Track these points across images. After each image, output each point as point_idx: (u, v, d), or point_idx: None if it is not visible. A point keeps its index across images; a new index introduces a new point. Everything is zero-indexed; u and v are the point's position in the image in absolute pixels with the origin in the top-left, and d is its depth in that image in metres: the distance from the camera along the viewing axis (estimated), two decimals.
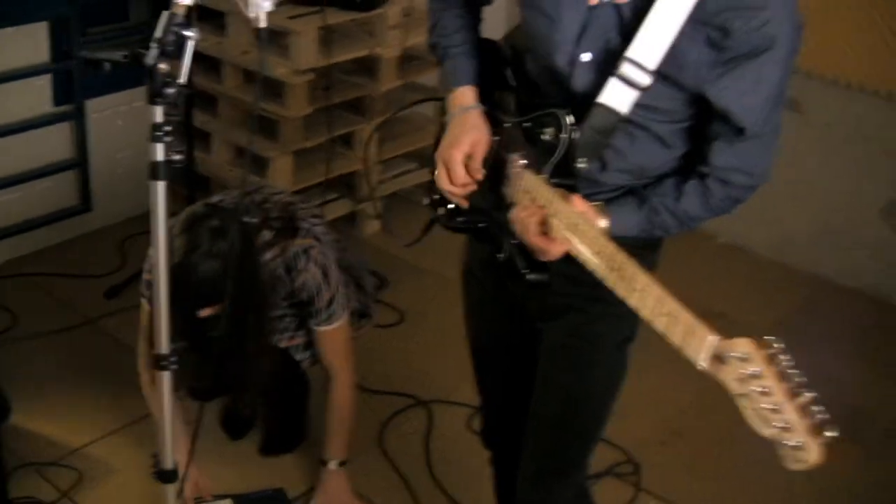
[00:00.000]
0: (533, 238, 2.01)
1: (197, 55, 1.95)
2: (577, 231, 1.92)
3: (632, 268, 1.79)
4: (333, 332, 3.15)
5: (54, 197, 4.54)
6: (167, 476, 2.25)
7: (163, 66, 1.88)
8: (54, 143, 4.47)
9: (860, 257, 4.74)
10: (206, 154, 4.61)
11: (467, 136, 2.18)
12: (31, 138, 4.34)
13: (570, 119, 2.02)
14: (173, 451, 2.75)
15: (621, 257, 1.82)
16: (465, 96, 2.25)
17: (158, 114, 1.92)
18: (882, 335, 4.51)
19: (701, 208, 2.09)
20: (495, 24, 2.50)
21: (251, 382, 3.25)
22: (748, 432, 3.74)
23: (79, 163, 4.54)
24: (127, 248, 4.53)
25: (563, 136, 2.03)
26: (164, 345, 2.12)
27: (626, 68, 1.93)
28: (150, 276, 2.94)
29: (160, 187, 1.98)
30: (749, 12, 1.84)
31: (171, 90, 1.91)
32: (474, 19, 2.36)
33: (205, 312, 2.85)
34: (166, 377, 2.15)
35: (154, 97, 1.91)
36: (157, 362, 2.13)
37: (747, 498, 3.53)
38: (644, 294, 1.78)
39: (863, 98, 4.50)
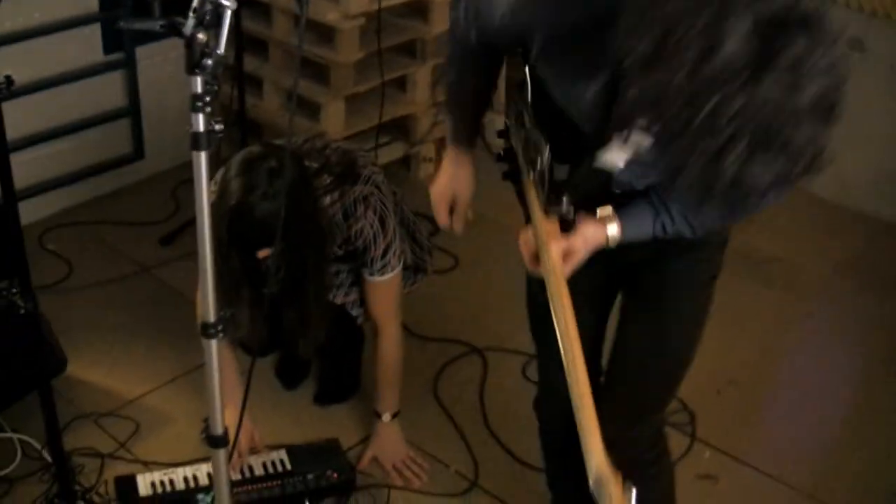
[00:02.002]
0: (529, 265, 2.16)
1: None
2: (550, 281, 2.05)
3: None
4: (385, 285, 3.14)
5: (107, 145, 4.54)
6: (217, 441, 2.25)
7: (200, 37, 1.85)
8: (105, 91, 4.46)
9: None
10: (257, 100, 4.58)
11: (450, 188, 2.61)
12: (83, 88, 4.34)
13: (546, 156, 2.08)
14: (227, 401, 2.78)
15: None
16: (459, 156, 2.59)
17: (198, 84, 1.89)
18: None
19: (721, 218, 2.07)
20: None
21: (310, 333, 3.25)
22: (804, 385, 3.74)
23: (130, 111, 4.54)
24: (180, 195, 4.55)
25: (544, 170, 2.10)
26: (211, 313, 2.11)
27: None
28: None
29: (202, 157, 1.95)
30: None
31: (209, 61, 1.88)
32: (489, 84, 2.47)
33: (263, 253, 2.83)
34: (213, 345, 2.14)
35: (193, 68, 1.88)
36: (204, 331, 2.11)
37: (800, 451, 3.50)
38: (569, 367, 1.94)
39: None
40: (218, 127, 1.95)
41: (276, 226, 2.58)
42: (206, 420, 2.27)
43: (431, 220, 4.40)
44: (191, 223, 4.29)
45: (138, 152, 4.63)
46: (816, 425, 3.61)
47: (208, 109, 1.92)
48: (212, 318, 2.12)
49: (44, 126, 4.28)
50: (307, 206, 2.86)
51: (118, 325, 3.85)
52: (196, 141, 1.94)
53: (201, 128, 1.93)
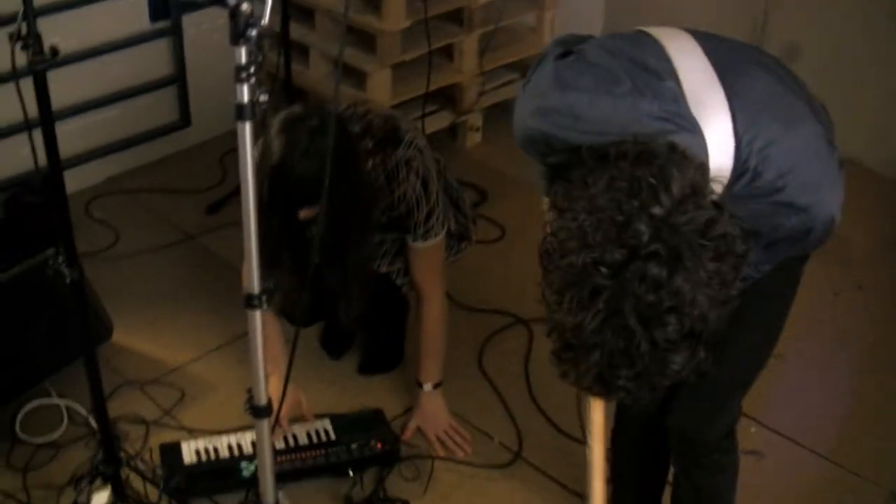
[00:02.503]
0: None
1: None
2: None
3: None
4: (428, 251, 3.12)
5: (153, 113, 4.55)
6: (260, 412, 2.25)
7: (245, 7, 1.83)
8: (152, 59, 4.47)
9: None
10: (303, 67, 4.57)
11: None
12: (129, 56, 4.34)
13: None
14: (272, 370, 2.78)
15: None
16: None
17: (242, 55, 1.88)
18: None
19: None
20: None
21: (353, 302, 3.25)
22: (852, 361, 3.69)
23: (177, 78, 4.54)
24: (227, 163, 4.55)
25: None
26: (255, 284, 2.10)
27: None
28: None
29: (247, 128, 1.95)
30: None
31: (253, 31, 1.86)
32: None
33: (304, 213, 2.82)
34: (256, 316, 2.13)
35: (237, 38, 1.87)
36: (248, 302, 2.11)
37: (847, 428, 3.46)
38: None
39: None
40: (263, 97, 1.94)
41: (317, 185, 2.58)
42: (249, 390, 2.26)
43: (476, 188, 4.43)
44: (237, 191, 4.28)
45: (185, 120, 4.64)
46: (864, 402, 3.57)
47: (252, 80, 1.91)
48: (255, 289, 2.12)
49: (90, 95, 4.29)
50: (349, 168, 2.84)
51: (164, 293, 3.87)
52: (240, 111, 1.93)
53: (245, 98, 1.92)
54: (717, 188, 1.80)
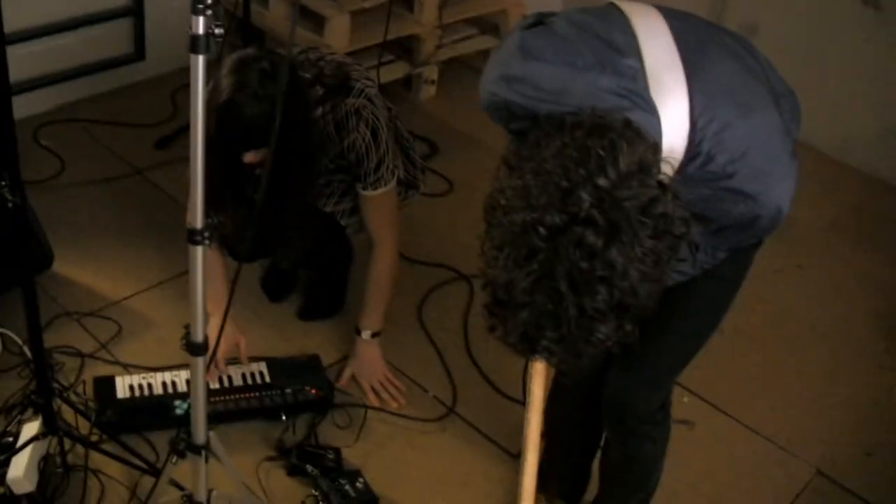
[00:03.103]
0: None
1: None
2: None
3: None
4: (380, 198, 3.11)
5: (108, 44, 4.49)
6: (196, 349, 2.24)
7: None
8: None
9: None
10: (262, 8, 4.53)
11: None
12: None
13: None
14: (213, 308, 2.77)
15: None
16: None
17: None
18: None
19: None
20: None
21: (293, 242, 3.24)
22: (788, 338, 3.73)
23: (134, 10, 4.48)
24: (179, 99, 4.51)
25: None
26: (198, 219, 2.09)
27: None
28: None
29: (200, 61, 1.92)
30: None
31: None
32: None
33: (249, 157, 2.80)
34: (198, 252, 2.12)
35: None
36: (191, 237, 2.09)
37: (778, 403, 3.52)
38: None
39: None
40: (218, 31, 1.91)
41: (263, 129, 2.57)
42: (186, 326, 2.25)
43: (427, 141, 4.42)
44: (187, 128, 4.25)
45: (139, 53, 4.58)
46: (797, 378, 3.62)
47: (209, 12, 1.89)
48: (199, 223, 2.10)
49: (44, 20, 4.21)
50: (298, 114, 2.82)
51: (108, 226, 3.83)
52: (195, 44, 1.90)
53: (201, 30, 1.89)
54: (668, 168, 1.80)
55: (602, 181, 1.66)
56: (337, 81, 2.98)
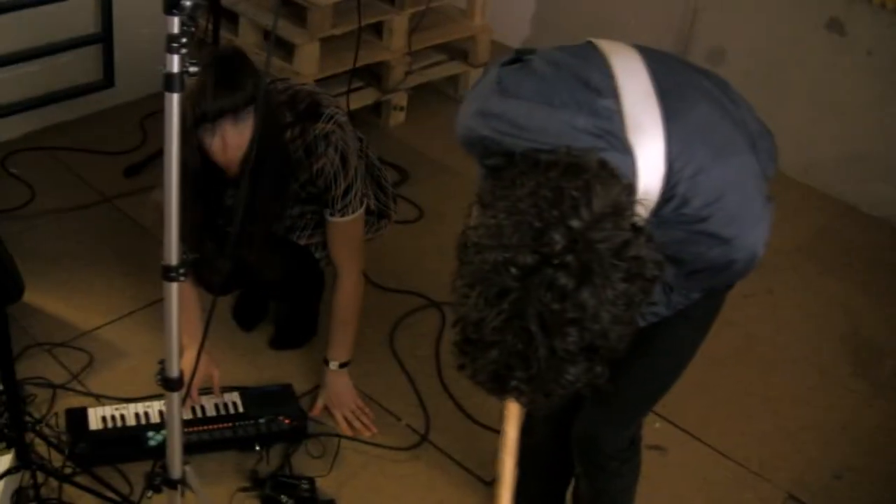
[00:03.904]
0: None
1: None
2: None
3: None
4: (346, 226, 3.11)
5: (77, 71, 4.48)
6: (172, 384, 2.24)
7: None
8: (79, 16, 4.39)
9: (888, 188, 4.67)
10: (232, 35, 4.54)
11: None
12: (56, 10, 4.23)
13: None
14: (187, 340, 2.77)
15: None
16: None
17: (175, 25, 1.86)
18: None
19: None
20: None
21: (267, 273, 3.25)
22: (758, 362, 3.75)
23: (103, 37, 4.46)
24: (148, 126, 4.50)
25: None
26: (172, 256, 2.09)
27: None
28: None
29: (174, 100, 1.93)
30: None
31: (187, 2, 1.84)
32: None
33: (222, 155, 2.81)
34: (173, 289, 2.12)
35: (170, 8, 1.85)
36: (166, 273, 2.09)
37: (749, 428, 3.54)
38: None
39: None
40: (193, 69, 1.92)
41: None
42: (162, 362, 2.25)
43: (397, 168, 4.43)
44: (157, 156, 4.26)
45: (108, 80, 4.57)
46: (768, 403, 3.64)
47: (184, 51, 1.90)
48: (174, 260, 2.10)
49: (12, 48, 4.21)
50: (271, 138, 2.85)
51: (78, 255, 3.82)
52: (169, 82, 1.91)
53: (175, 69, 1.90)
54: (643, 211, 1.81)
55: (575, 223, 1.66)
56: (307, 107, 3.00)
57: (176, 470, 2.37)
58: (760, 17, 4.73)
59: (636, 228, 1.72)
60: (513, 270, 1.66)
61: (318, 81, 4.37)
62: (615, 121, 1.92)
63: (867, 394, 3.75)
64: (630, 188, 1.80)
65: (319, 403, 3.31)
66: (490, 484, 3.16)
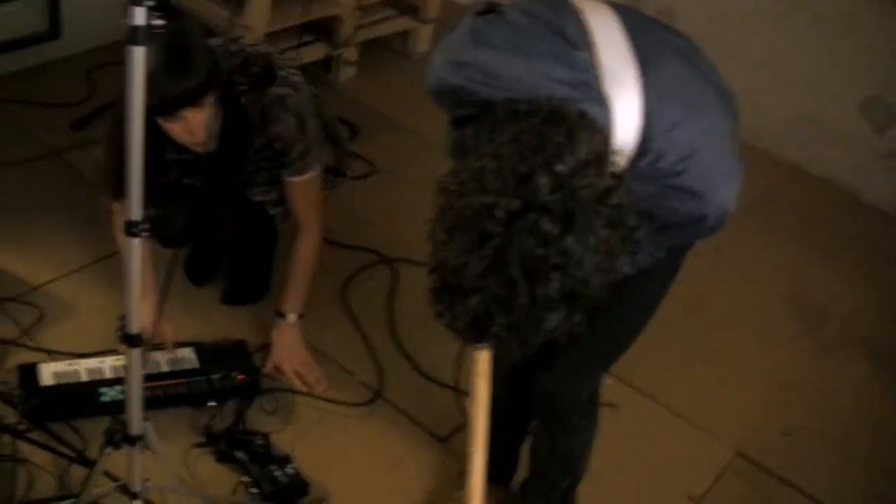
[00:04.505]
0: None
1: None
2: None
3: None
4: (304, 184, 3.11)
5: (22, 21, 4.38)
6: (133, 340, 2.22)
7: None
8: None
9: (834, 149, 4.74)
10: None
11: None
12: None
13: None
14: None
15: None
16: None
17: None
18: (847, 231, 4.55)
19: None
20: None
21: (222, 230, 3.23)
22: (703, 321, 3.78)
23: None
24: (96, 78, 4.42)
25: None
26: (135, 211, 2.07)
27: None
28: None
29: (139, 53, 1.90)
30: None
31: None
32: None
33: (174, 127, 2.79)
34: (136, 244, 2.10)
35: None
36: (128, 229, 2.07)
37: (698, 386, 3.60)
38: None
39: None
40: (158, 22, 1.89)
41: (186, 95, 2.64)
42: (121, 318, 2.23)
43: (348, 123, 4.41)
44: (104, 108, 4.20)
45: (54, 31, 4.48)
46: (716, 361, 3.69)
47: (149, 3, 1.87)
48: (136, 215, 2.08)
49: None
50: (229, 108, 2.83)
51: (25, 209, 3.76)
52: (134, 35, 1.88)
53: (141, 21, 1.87)
54: (621, 161, 1.82)
55: (560, 168, 1.66)
56: (260, 70, 2.97)
57: (136, 426, 2.36)
58: None
59: (617, 177, 1.73)
60: (497, 214, 1.66)
61: (267, 35, 4.32)
62: (591, 73, 1.93)
63: (812, 353, 3.82)
64: (607, 139, 1.81)
65: (271, 362, 3.30)
66: (444, 440, 3.19)
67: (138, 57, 1.91)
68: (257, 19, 4.32)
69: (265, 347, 3.35)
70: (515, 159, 1.68)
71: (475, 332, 1.76)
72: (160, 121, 2.76)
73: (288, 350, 3.30)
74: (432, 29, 5.10)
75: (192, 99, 2.69)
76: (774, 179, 4.73)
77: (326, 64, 4.81)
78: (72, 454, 2.86)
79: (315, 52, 4.67)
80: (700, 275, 4.00)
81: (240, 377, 3.18)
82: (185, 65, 2.67)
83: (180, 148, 2.92)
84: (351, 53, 4.81)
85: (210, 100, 2.75)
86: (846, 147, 4.69)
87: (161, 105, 2.67)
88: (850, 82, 4.60)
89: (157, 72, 2.57)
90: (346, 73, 4.84)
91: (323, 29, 4.71)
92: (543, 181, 1.66)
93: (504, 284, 1.68)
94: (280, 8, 4.42)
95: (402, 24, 5.04)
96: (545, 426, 2.73)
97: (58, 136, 4.14)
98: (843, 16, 4.49)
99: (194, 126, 2.79)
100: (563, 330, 1.76)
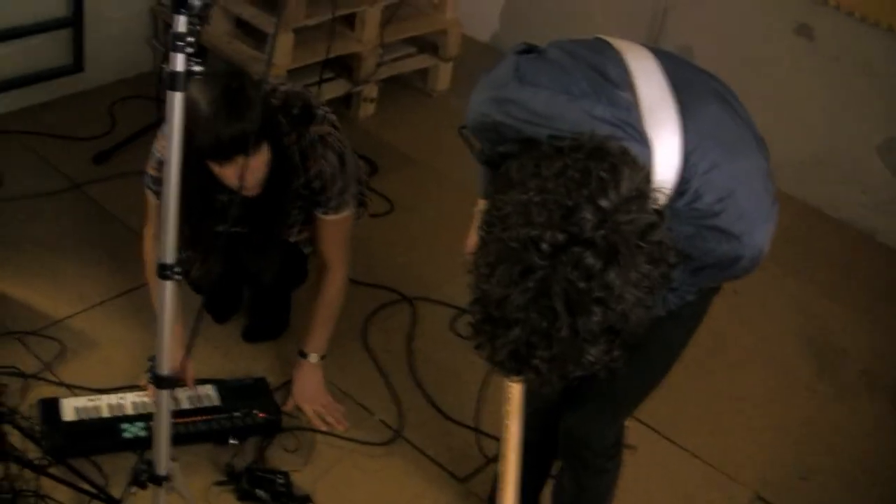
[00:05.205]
0: None
1: None
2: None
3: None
4: (338, 222, 3.10)
5: (46, 55, 4.42)
6: (163, 382, 2.23)
7: None
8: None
9: (851, 191, 4.74)
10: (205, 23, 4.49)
11: None
12: None
13: None
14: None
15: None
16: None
17: (181, 24, 1.86)
18: (865, 272, 4.54)
19: None
20: None
21: (264, 276, 3.24)
22: (725, 362, 3.77)
23: (73, 21, 4.41)
24: (117, 111, 4.45)
25: None
26: (168, 254, 2.08)
27: None
28: (158, 173, 2.88)
29: (178, 98, 1.92)
30: None
31: (197, 1, 1.84)
32: None
33: (223, 171, 2.77)
34: (169, 287, 2.11)
35: (178, 6, 1.84)
36: (161, 271, 2.08)
37: (716, 427, 3.59)
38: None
39: (876, 33, 4.42)
40: (197, 68, 1.91)
41: (240, 139, 2.59)
42: (151, 359, 2.24)
43: (367, 160, 4.42)
44: (127, 142, 4.23)
45: (77, 64, 4.51)
46: (734, 402, 3.68)
47: (189, 50, 1.89)
48: (169, 258, 2.09)
49: None
50: (276, 150, 2.84)
51: (46, 242, 3.78)
52: (174, 81, 1.90)
53: (180, 67, 1.89)
54: (661, 199, 1.84)
55: (604, 203, 1.68)
56: (300, 110, 2.98)
57: (162, 466, 2.37)
58: (731, 17, 4.78)
59: (659, 214, 1.74)
60: (542, 248, 1.67)
61: (290, 72, 4.35)
62: (633, 112, 1.95)
63: (830, 395, 3.81)
64: (649, 176, 1.82)
65: (291, 401, 3.30)
66: (464, 480, 3.19)
67: (177, 102, 1.93)
68: (280, 55, 4.35)
69: (286, 385, 3.36)
70: (561, 193, 1.69)
71: (515, 364, 1.77)
72: (213, 166, 2.75)
73: (309, 390, 3.30)
74: (452, 67, 5.12)
75: (249, 143, 2.64)
76: (792, 219, 4.73)
77: (346, 100, 4.83)
78: (93, 490, 2.86)
79: (336, 89, 4.70)
80: (718, 315, 3.99)
81: (261, 415, 3.18)
82: (241, 109, 2.64)
83: (228, 191, 2.92)
84: (371, 90, 4.83)
85: (265, 144, 2.76)
86: (863, 189, 4.69)
87: (216, 148, 2.67)
88: (867, 124, 4.61)
89: (215, 115, 2.61)
90: (366, 110, 4.86)
91: (344, 66, 4.74)
92: (588, 215, 1.67)
93: (546, 317, 1.69)
94: (302, 44, 4.45)
95: (423, 61, 5.06)
96: (570, 468, 2.73)
97: (80, 169, 4.16)
98: (860, 58, 4.50)
99: (251, 170, 2.77)
100: (603, 364, 1.76)
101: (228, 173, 2.76)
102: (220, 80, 2.67)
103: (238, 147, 2.64)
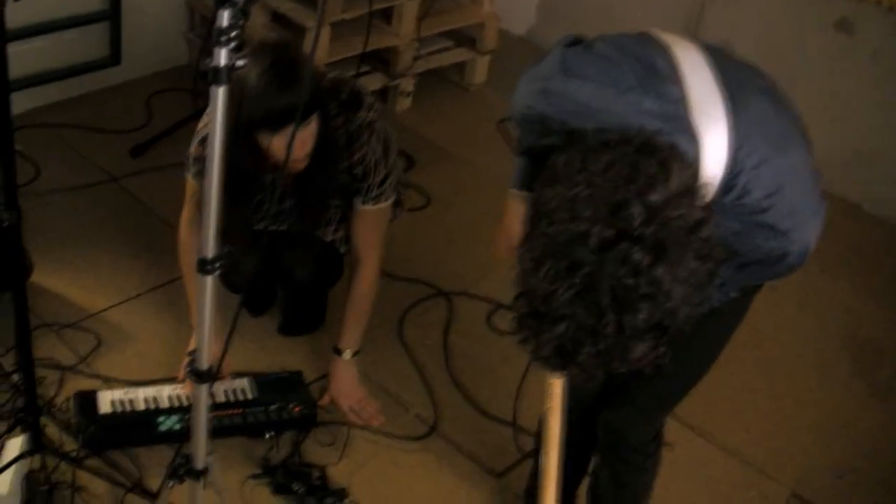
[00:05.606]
0: None
1: None
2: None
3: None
4: (377, 213, 3.10)
5: (83, 48, 4.44)
6: (202, 376, 2.22)
7: None
8: None
9: (891, 188, 4.69)
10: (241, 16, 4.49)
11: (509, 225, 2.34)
12: None
13: None
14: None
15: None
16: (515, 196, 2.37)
17: (225, 18, 1.84)
18: None
19: None
20: None
21: (299, 273, 3.24)
22: (762, 360, 3.75)
23: (110, 14, 4.42)
24: (153, 104, 4.47)
25: None
26: (210, 248, 2.07)
27: None
28: (200, 151, 2.88)
29: (220, 93, 1.91)
30: None
31: None
32: None
33: (273, 142, 2.73)
34: (209, 281, 2.10)
35: (222, 1, 1.83)
36: (202, 266, 2.08)
37: (754, 425, 3.57)
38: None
39: None
40: (240, 63, 1.90)
41: (288, 110, 2.59)
42: (191, 353, 2.24)
43: (404, 154, 4.42)
44: (163, 135, 4.24)
45: (115, 57, 4.53)
46: (771, 401, 3.66)
47: (233, 44, 1.87)
48: (210, 253, 2.08)
49: (19, 23, 4.13)
50: (322, 125, 2.83)
51: (84, 235, 3.79)
52: (216, 75, 1.89)
53: (223, 62, 1.88)
54: (708, 195, 1.82)
55: (653, 198, 1.66)
56: (349, 95, 2.97)
57: (200, 461, 2.36)
58: (769, 12, 4.74)
59: (707, 210, 1.73)
60: (590, 243, 1.65)
61: (327, 65, 4.34)
62: (680, 106, 1.93)
63: (866, 395, 3.78)
64: (697, 172, 1.80)
65: (327, 396, 3.30)
66: (499, 475, 3.18)
67: (220, 97, 1.92)
68: (318, 50, 4.34)
69: (321, 379, 3.36)
70: (609, 188, 1.67)
71: (560, 360, 1.75)
72: (263, 138, 2.73)
73: (345, 387, 3.30)
74: (488, 61, 5.10)
75: (300, 112, 2.62)
76: (831, 218, 4.64)
77: (383, 94, 4.83)
78: (129, 483, 2.87)
79: (373, 83, 4.69)
80: (756, 313, 3.97)
81: (297, 408, 3.18)
82: (293, 79, 2.64)
83: (272, 171, 2.92)
84: (408, 84, 4.82)
85: (314, 116, 2.75)
86: None
87: (269, 117, 2.66)
88: None
89: (267, 85, 2.60)
90: (403, 104, 4.85)
91: (381, 59, 4.73)
92: (637, 211, 1.65)
93: (592, 312, 1.67)
94: (339, 37, 4.45)
95: (460, 55, 5.05)
96: (608, 465, 2.72)
97: (116, 162, 4.18)
98: None
99: (300, 139, 2.74)
100: (648, 361, 1.75)
101: (278, 144, 2.72)
102: (268, 51, 2.67)
103: (291, 114, 2.61)
